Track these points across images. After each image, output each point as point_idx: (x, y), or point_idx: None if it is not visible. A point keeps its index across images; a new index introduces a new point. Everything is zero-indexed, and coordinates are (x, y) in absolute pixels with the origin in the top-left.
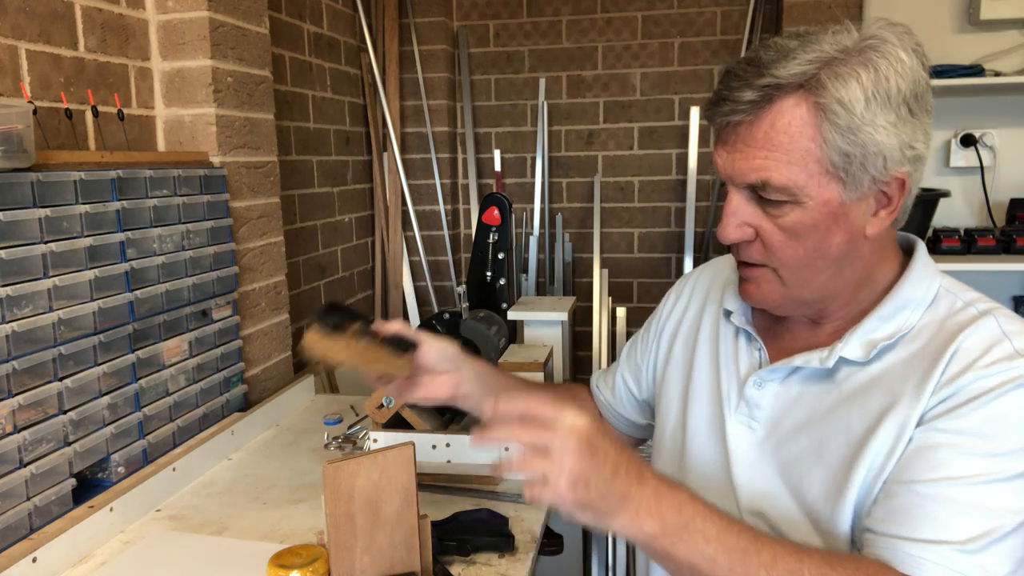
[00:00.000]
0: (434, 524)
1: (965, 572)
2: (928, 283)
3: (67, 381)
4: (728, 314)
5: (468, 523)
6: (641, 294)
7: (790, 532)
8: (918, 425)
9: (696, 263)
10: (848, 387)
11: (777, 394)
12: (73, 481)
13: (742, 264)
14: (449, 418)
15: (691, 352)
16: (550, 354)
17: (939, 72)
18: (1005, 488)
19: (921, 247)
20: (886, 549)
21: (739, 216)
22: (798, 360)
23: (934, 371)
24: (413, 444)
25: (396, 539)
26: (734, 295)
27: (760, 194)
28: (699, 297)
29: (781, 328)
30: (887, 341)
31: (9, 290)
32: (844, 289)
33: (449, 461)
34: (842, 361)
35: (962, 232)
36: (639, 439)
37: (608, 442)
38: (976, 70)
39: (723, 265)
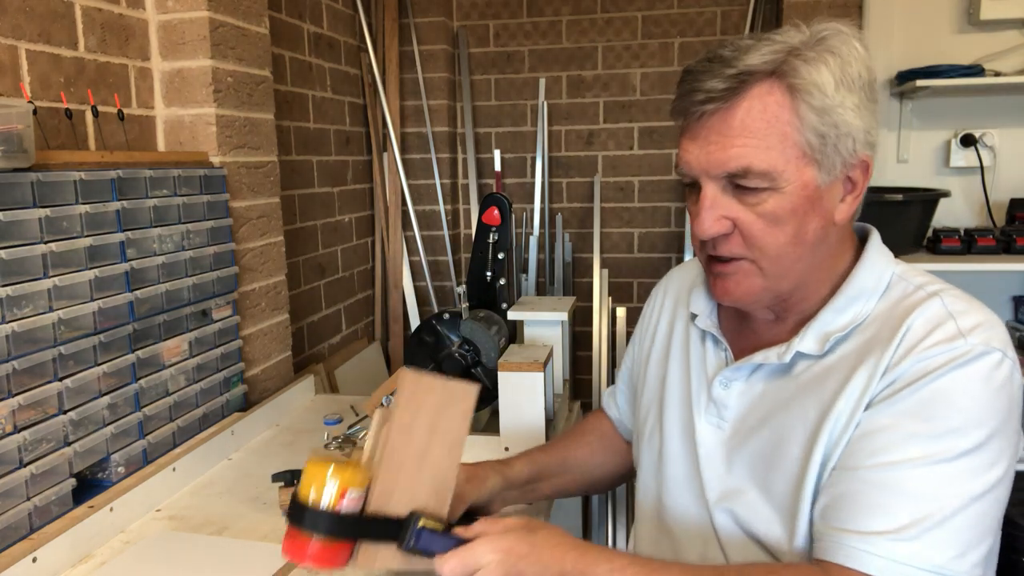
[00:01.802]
0: None
1: (904, 561)
2: (880, 272)
3: (67, 381)
4: (695, 317)
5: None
6: (641, 294)
7: (759, 528)
8: (866, 409)
9: None
10: (804, 379)
11: (742, 392)
12: (73, 481)
13: (717, 261)
14: None
15: (665, 357)
16: (550, 354)
17: (939, 72)
18: (947, 469)
19: (875, 236)
20: (830, 542)
21: (717, 209)
22: (758, 357)
23: (884, 356)
24: (475, 391)
25: (436, 481)
26: (699, 298)
27: (739, 183)
28: (670, 302)
29: (745, 327)
30: (840, 333)
31: (9, 290)
32: (813, 278)
33: None
34: (799, 355)
35: (962, 232)
36: None
37: (523, 564)
38: (976, 70)
39: (689, 268)
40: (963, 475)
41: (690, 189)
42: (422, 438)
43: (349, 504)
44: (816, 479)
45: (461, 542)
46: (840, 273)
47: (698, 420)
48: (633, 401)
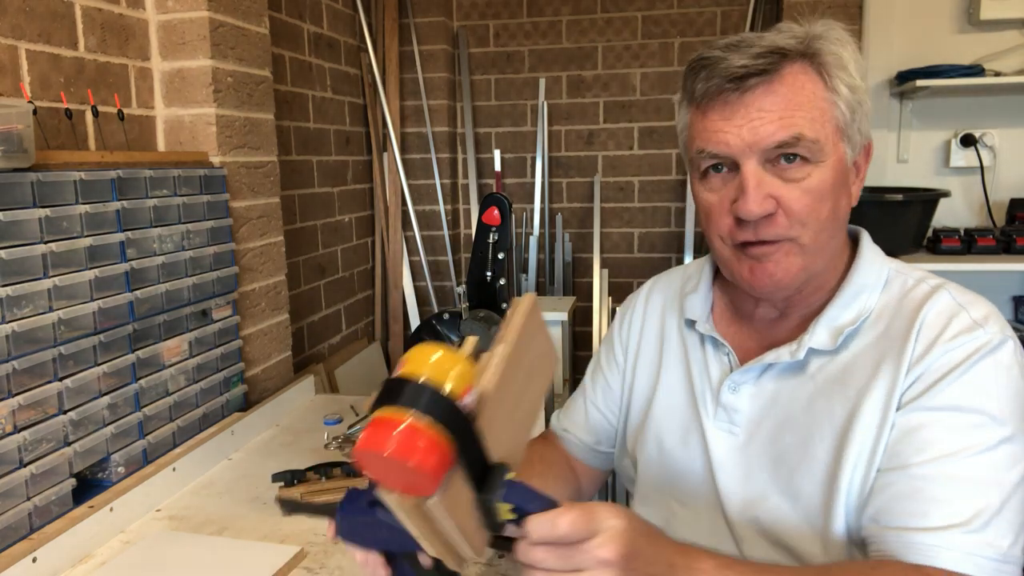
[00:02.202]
0: None
1: (976, 552)
2: (879, 268)
3: (67, 381)
4: (691, 323)
5: None
6: None
7: (785, 533)
8: (898, 409)
9: None
10: (822, 379)
11: (753, 395)
12: (73, 481)
13: (753, 245)
14: None
15: (656, 368)
16: None
17: (939, 72)
18: (992, 458)
19: (867, 235)
20: (896, 543)
21: (762, 188)
22: (769, 357)
23: (904, 351)
24: (553, 343)
25: (516, 439)
26: (695, 303)
27: (788, 152)
28: (656, 312)
29: (746, 329)
30: (851, 326)
31: (9, 290)
32: (829, 265)
33: None
34: (812, 352)
35: (962, 232)
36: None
37: (643, 542)
38: (976, 70)
39: (674, 278)
40: (1005, 462)
41: (705, 177)
42: (521, 382)
43: (468, 405)
44: (850, 479)
45: (555, 504)
46: (840, 268)
47: (708, 427)
48: (615, 420)
